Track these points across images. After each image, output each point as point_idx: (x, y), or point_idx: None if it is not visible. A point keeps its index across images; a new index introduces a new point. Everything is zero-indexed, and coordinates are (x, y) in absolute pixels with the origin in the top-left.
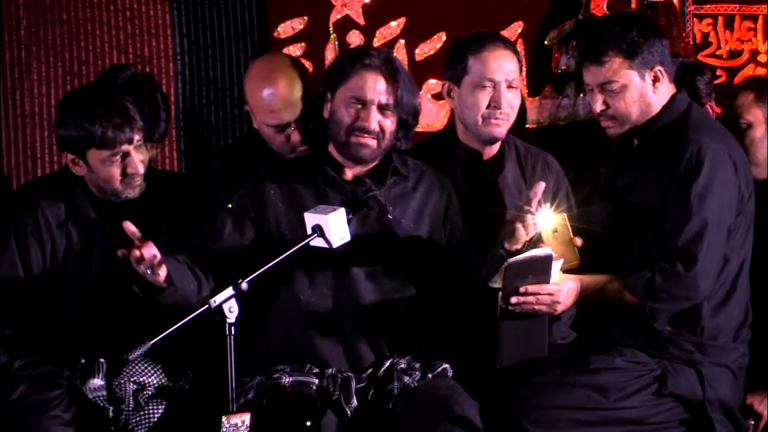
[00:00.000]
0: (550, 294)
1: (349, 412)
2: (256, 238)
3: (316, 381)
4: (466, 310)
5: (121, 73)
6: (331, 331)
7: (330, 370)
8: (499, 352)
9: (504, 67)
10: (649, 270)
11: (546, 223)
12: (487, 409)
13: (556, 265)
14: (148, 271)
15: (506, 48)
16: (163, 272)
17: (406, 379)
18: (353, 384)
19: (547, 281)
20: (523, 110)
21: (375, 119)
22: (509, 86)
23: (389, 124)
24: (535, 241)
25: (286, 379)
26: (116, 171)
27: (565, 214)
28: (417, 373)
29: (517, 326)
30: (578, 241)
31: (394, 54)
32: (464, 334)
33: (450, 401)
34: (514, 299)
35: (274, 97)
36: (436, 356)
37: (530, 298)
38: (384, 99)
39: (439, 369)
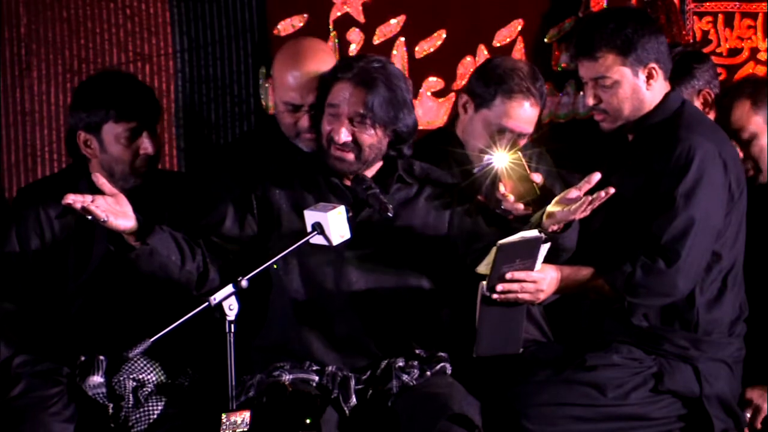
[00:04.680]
0: (535, 282)
1: (347, 411)
2: (256, 236)
3: (316, 378)
4: (467, 311)
5: None
6: (329, 330)
7: (330, 368)
8: (477, 340)
9: (522, 121)
10: (630, 264)
11: (501, 162)
12: (487, 407)
13: (543, 249)
14: (103, 220)
15: (534, 101)
16: (126, 223)
17: (405, 377)
18: (352, 383)
19: (533, 266)
20: None
21: (345, 131)
22: (519, 134)
23: (366, 137)
24: (494, 179)
25: (287, 377)
26: (128, 150)
27: (519, 153)
28: (415, 371)
29: (496, 316)
30: (536, 178)
31: (382, 60)
32: (463, 333)
33: (449, 399)
34: (499, 287)
35: (298, 77)
36: (435, 355)
37: (515, 286)
38: (355, 110)
39: (438, 367)
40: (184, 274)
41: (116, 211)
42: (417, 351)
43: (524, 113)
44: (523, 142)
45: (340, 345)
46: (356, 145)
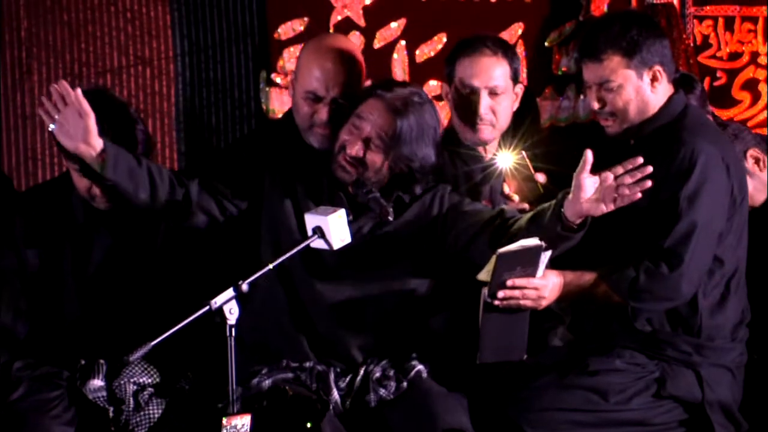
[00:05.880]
0: (536, 288)
1: (330, 405)
2: (239, 218)
3: (291, 375)
4: (467, 316)
5: None
6: (309, 331)
7: (308, 363)
8: (480, 346)
9: (485, 74)
10: (633, 269)
11: (505, 162)
12: (486, 412)
13: (545, 257)
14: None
15: (493, 54)
16: (68, 143)
17: (382, 391)
18: (331, 377)
19: (534, 273)
20: (537, 111)
21: (359, 147)
22: (491, 93)
23: (376, 161)
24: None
25: (266, 382)
26: (81, 183)
27: (524, 153)
28: (392, 383)
29: (499, 322)
30: (540, 178)
31: (424, 98)
32: (464, 338)
33: (437, 412)
34: (500, 293)
35: (326, 69)
36: (410, 358)
37: (516, 293)
38: (377, 132)
39: (413, 373)
40: (154, 206)
41: (67, 130)
42: (392, 356)
43: (484, 65)
44: (497, 100)
45: (319, 346)
46: (362, 163)
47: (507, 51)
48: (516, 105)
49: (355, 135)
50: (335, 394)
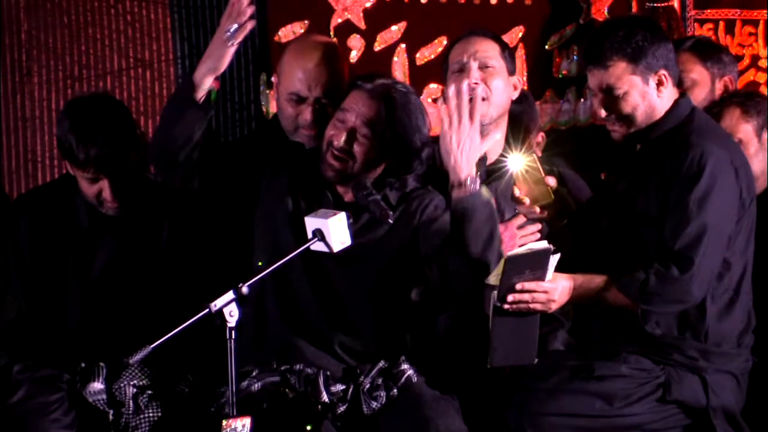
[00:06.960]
0: (546, 292)
1: (319, 407)
2: (234, 219)
3: (278, 379)
4: (460, 313)
5: None
6: (303, 329)
7: (298, 366)
8: (491, 351)
9: (473, 47)
10: (643, 272)
11: (516, 165)
12: (485, 415)
13: (553, 260)
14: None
15: (481, 36)
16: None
17: (374, 404)
18: (321, 380)
19: (543, 276)
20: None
21: (344, 138)
22: (482, 66)
23: (363, 150)
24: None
25: (256, 385)
26: (91, 190)
27: (534, 155)
28: (382, 393)
29: (509, 325)
30: (550, 181)
31: (408, 88)
32: (462, 338)
33: (430, 417)
34: (510, 297)
35: (307, 69)
36: (399, 365)
37: (526, 296)
38: (362, 120)
39: (403, 379)
40: (184, 152)
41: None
42: (381, 364)
43: (472, 42)
44: (488, 73)
45: (312, 348)
46: (350, 155)
47: (498, 39)
48: (515, 95)
49: (340, 128)
50: (325, 398)
